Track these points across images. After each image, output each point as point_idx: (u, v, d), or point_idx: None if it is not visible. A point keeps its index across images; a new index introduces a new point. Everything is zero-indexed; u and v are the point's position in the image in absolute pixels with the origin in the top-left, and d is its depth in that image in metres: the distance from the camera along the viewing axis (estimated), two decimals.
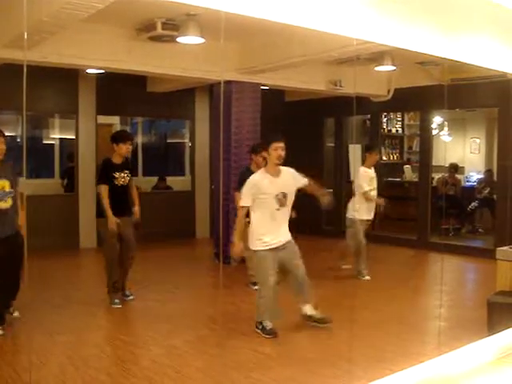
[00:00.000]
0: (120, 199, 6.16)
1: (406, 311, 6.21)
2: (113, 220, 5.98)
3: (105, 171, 6.20)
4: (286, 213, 5.20)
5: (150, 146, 13.10)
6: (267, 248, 5.10)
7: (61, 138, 11.37)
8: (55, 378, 4.16)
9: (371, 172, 7.53)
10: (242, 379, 4.20)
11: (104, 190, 6.07)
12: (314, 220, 10.63)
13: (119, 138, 6.21)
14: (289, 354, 4.78)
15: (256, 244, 5.14)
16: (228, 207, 8.28)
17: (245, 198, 5.12)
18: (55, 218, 9.38)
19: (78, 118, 9.82)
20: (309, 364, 4.52)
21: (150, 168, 12.26)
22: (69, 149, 10.88)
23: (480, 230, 10.88)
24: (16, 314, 5.38)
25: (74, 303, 6.25)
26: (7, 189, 5.10)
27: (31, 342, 4.91)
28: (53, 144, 11.40)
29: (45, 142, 11.62)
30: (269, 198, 5.07)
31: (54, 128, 11.59)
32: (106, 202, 6.03)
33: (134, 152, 12.11)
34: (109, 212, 6.00)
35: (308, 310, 5.30)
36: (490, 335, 4.86)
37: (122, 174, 6.17)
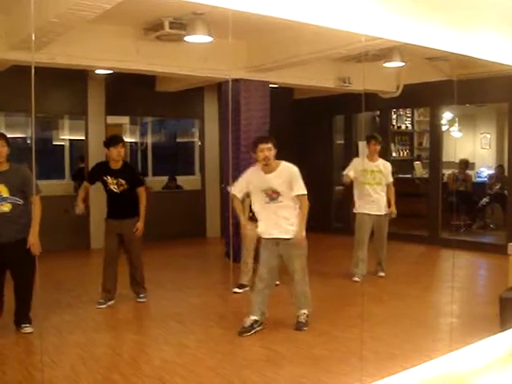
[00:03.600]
0: (117, 204, 6.16)
1: (417, 308, 6.19)
2: (79, 205, 6.14)
3: (92, 172, 6.38)
4: (280, 208, 5.14)
5: (159, 146, 13.13)
6: (264, 237, 5.24)
7: (70, 139, 11.42)
8: (67, 378, 4.17)
9: (370, 164, 7.32)
10: (253, 377, 4.20)
11: (83, 186, 6.34)
12: (323, 217, 10.64)
13: (109, 141, 6.16)
14: (300, 352, 4.77)
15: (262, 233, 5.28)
16: None
17: (235, 188, 5.31)
18: (66, 218, 9.40)
19: (87, 118, 9.85)
20: (320, 361, 4.51)
21: (160, 167, 12.30)
22: (79, 150, 10.92)
23: (491, 225, 10.80)
24: (28, 329, 5.08)
25: (85, 303, 6.26)
26: (4, 194, 4.94)
27: (43, 342, 4.93)
28: (63, 145, 11.46)
29: (55, 143, 11.68)
30: (258, 192, 5.19)
31: (64, 129, 11.63)
32: (80, 196, 6.24)
33: (144, 152, 12.18)
34: (79, 202, 6.17)
35: (299, 314, 5.31)
36: (502, 331, 4.83)
37: (115, 181, 6.08)
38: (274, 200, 5.13)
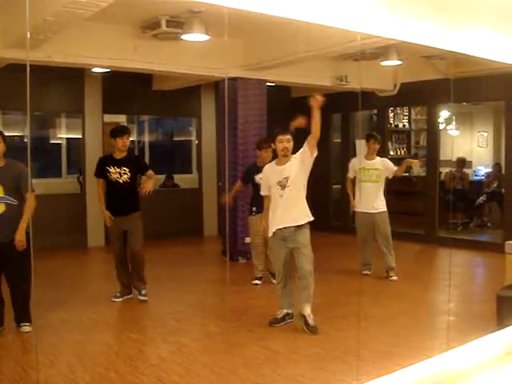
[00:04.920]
0: (118, 198, 6.15)
1: (415, 306, 6.19)
2: (105, 215, 6.18)
3: (98, 165, 6.34)
4: (290, 195, 5.16)
5: (156, 144, 13.12)
6: (275, 234, 5.24)
7: (68, 138, 11.40)
8: (64, 377, 4.16)
9: (368, 162, 7.34)
10: (250, 376, 4.20)
11: (98, 183, 6.30)
12: (321, 215, 10.61)
13: (115, 132, 6.23)
14: (297, 350, 4.77)
15: (270, 231, 5.31)
16: (235, 204, 8.28)
17: (262, 188, 5.45)
18: (63, 217, 9.41)
19: (84, 117, 9.83)
20: (317, 360, 4.51)
21: (157, 166, 12.21)
22: (76, 148, 10.91)
23: (488, 223, 10.82)
24: (27, 328, 5.06)
25: (82, 301, 6.26)
26: (0, 194, 4.88)
27: (39, 341, 4.91)
28: (60, 144, 11.44)
29: (52, 141, 11.66)
30: (274, 187, 5.27)
31: (61, 128, 11.62)
32: (99, 195, 6.27)
33: (141, 150, 12.16)
34: (101, 207, 6.22)
35: (303, 309, 5.23)
36: (499, 329, 4.85)
37: (119, 170, 6.11)
38: (285, 187, 5.17)
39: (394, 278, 7.24)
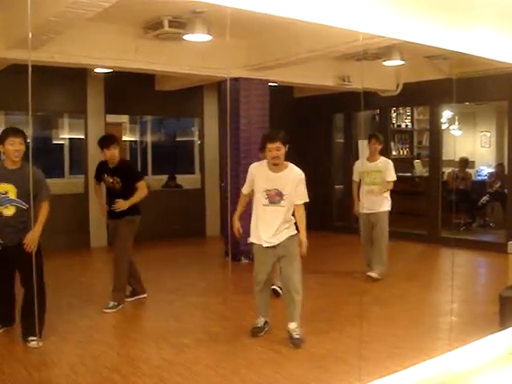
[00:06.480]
0: (111, 202, 6.11)
1: (417, 306, 6.19)
2: (103, 207, 6.30)
3: (97, 170, 6.35)
4: (279, 213, 4.83)
5: (159, 145, 13.12)
6: (257, 243, 4.95)
7: (70, 138, 11.41)
8: (66, 377, 4.17)
9: (370, 165, 7.28)
10: (252, 376, 4.20)
11: (94, 184, 6.40)
12: (324, 215, 10.64)
13: (102, 143, 6.05)
14: (299, 351, 4.75)
15: (251, 237, 5.01)
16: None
17: (245, 185, 5.08)
18: (65, 217, 9.40)
19: (86, 117, 9.83)
20: (319, 361, 4.51)
21: (160, 166, 12.29)
22: (78, 149, 10.91)
23: (491, 224, 10.80)
24: (38, 343, 4.73)
25: (85, 302, 6.26)
26: (11, 196, 4.73)
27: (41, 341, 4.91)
28: (62, 144, 11.44)
29: (54, 142, 11.67)
30: (259, 191, 4.89)
31: (64, 128, 11.62)
32: (96, 194, 6.44)
33: (144, 150, 12.17)
34: (101, 201, 6.40)
35: (289, 324, 4.93)
36: (501, 330, 4.84)
37: (111, 180, 6.05)
38: (275, 203, 4.82)
39: (370, 273, 7.08)
